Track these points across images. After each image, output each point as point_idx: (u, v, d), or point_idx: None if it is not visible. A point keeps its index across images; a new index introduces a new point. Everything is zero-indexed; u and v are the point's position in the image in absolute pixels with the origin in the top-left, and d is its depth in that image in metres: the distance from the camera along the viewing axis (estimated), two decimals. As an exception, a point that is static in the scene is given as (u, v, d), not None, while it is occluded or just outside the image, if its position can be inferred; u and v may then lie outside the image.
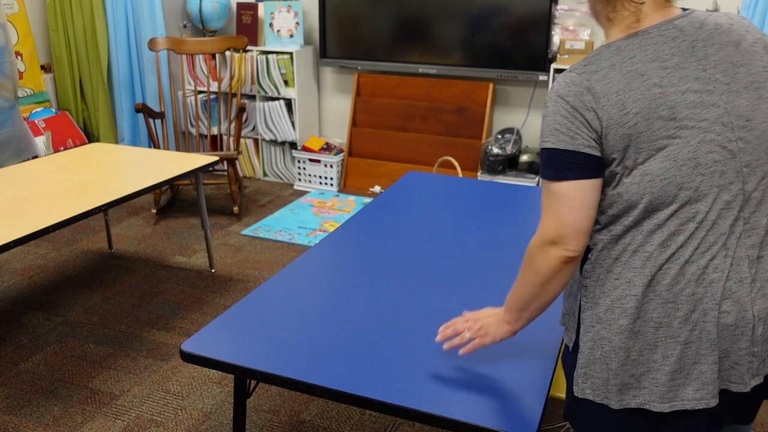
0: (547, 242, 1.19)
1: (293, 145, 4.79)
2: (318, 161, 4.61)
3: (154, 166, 3.01)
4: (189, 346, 1.56)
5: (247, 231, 3.97)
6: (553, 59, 3.92)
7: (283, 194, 4.63)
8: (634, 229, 1.17)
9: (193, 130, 4.88)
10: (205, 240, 3.77)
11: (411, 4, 4.17)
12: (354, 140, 4.63)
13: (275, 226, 4.05)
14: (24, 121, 4.15)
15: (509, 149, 4.07)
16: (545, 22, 3.88)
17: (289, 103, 4.68)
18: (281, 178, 4.91)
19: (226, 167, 4.80)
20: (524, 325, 1.36)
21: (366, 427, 2.31)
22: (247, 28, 4.64)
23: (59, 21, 4.66)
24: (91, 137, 4.95)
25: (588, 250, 1.25)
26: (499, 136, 4.15)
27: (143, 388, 2.52)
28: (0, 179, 2.82)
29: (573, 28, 3.90)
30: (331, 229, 3.97)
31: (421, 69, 4.28)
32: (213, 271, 3.47)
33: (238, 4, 4.62)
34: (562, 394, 1.80)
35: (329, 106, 4.87)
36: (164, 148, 4.30)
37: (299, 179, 4.74)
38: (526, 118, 4.30)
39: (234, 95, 4.62)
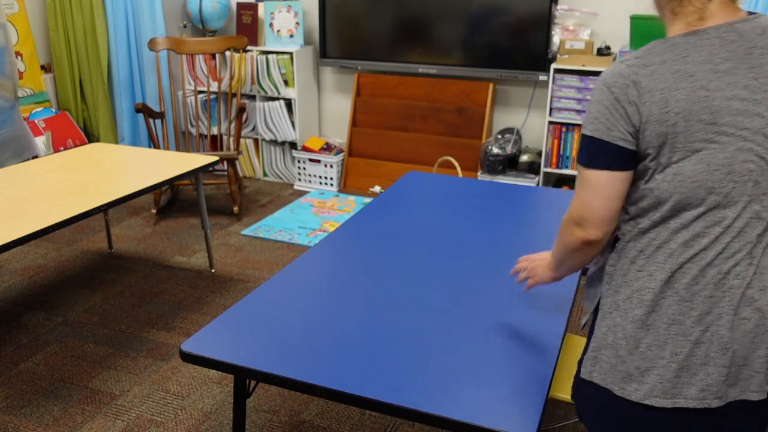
0: (572, 221, 1.25)
1: (293, 145, 4.79)
2: (318, 161, 4.61)
3: (154, 166, 3.01)
4: (189, 346, 1.56)
5: (247, 231, 3.97)
6: (553, 59, 3.92)
7: (283, 194, 4.63)
8: (660, 224, 1.19)
9: (193, 130, 4.88)
10: (205, 240, 3.77)
11: (411, 4, 4.17)
12: (354, 140, 4.63)
13: (275, 226, 4.05)
14: (24, 121, 4.15)
15: (509, 149, 4.07)
16: (545, 22, 3.88)
17: (289, 103, 4.68)
18: (281, 178, 4.91)
19: (226, 167, 4.80)
20: (565, 275, 1.46)
21: (366, 427, 2.31)
22: (247, 28, 4.64)
23: (59, 21, 4.66)
24: (91, 137, 4.95)
25: (616, 239, 1.28)
26: (499, 136, 4.15)
27: (143, 388, 2.52)
28: (0, 179, 2.82)
29: (573, 28, 3.90)
30: (331, 229, 3.97)
31: (421, 69, 4.28)
32: (213, 271, 3.47)
33: (238, 4, 4.62)
34: (562, 394, 1.80)
35: (329, 106, 4.87)
36: (164, 148, 4.30)
37: (299, 179, 4.74)
38: (526, 118, 4.30)
39: (234, 95, 4.62)
